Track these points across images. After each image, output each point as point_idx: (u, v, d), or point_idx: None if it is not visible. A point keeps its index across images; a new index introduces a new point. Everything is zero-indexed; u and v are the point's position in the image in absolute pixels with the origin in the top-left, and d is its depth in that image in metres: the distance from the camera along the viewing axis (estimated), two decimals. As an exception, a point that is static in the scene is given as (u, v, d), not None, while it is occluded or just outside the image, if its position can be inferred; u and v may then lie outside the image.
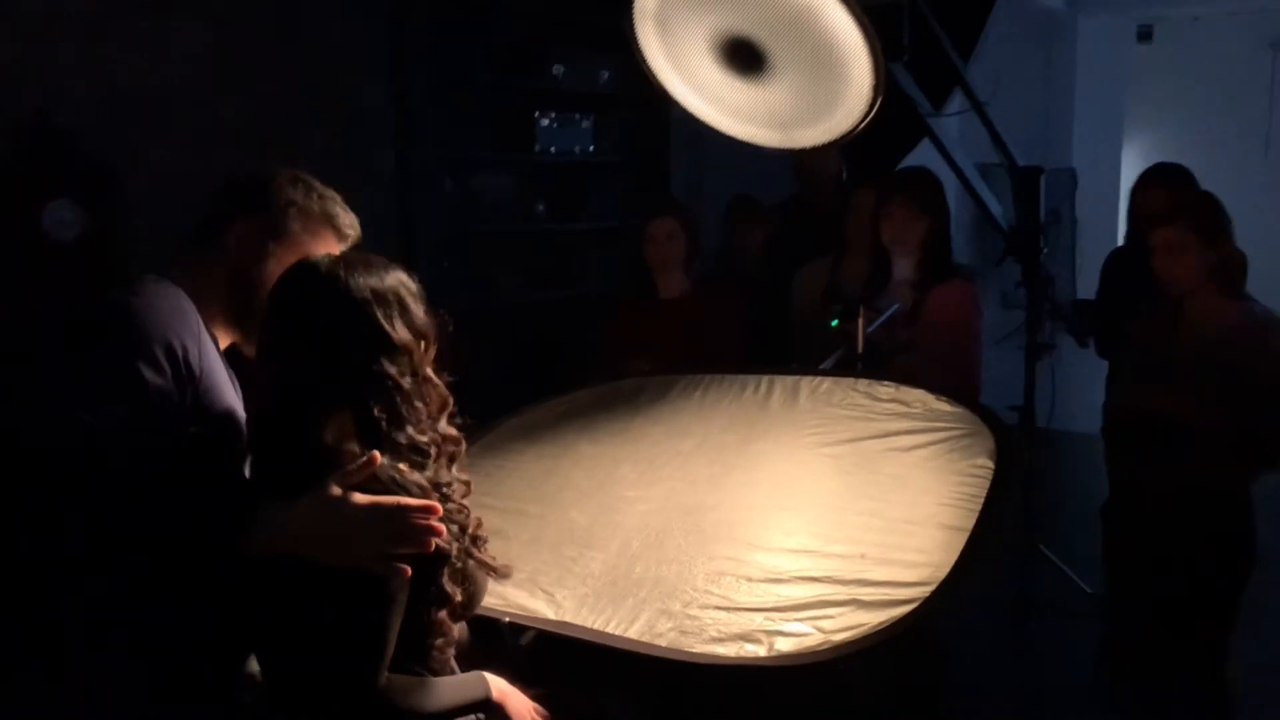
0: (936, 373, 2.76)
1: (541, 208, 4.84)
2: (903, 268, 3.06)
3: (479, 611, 1.81)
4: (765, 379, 2.39)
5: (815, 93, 2.19)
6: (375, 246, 4.23)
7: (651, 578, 1.81)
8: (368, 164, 4.16)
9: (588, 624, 1.74)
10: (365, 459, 1.36)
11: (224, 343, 1.63)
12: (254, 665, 1.59)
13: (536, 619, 1.78)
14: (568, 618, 1.77)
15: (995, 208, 3.32)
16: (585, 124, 4.87)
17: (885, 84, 2.09)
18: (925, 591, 1.64)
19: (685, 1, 2.17)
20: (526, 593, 1.85)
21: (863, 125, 2.20)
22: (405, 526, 1.36)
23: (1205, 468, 2.55)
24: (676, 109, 2.42)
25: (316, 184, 1.69)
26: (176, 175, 3.38)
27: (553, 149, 4.73)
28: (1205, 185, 3.25)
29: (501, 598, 1.85)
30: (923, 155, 3.82)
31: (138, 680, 1.46)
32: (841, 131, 2.25)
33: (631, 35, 2.28)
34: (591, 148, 4.87)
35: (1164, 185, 3.45)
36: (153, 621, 1.44)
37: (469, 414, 2.66)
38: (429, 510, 1.38)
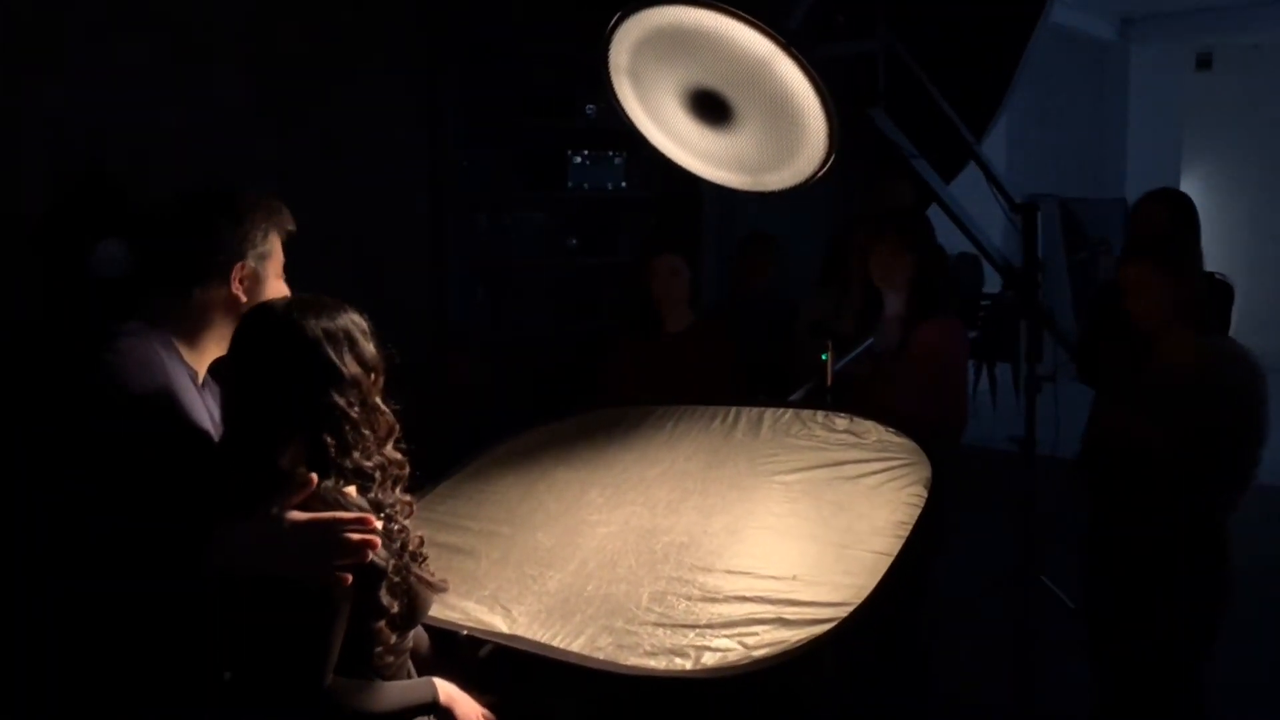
0: (922, 406, 2.86)
1: (574, 242, 4.98)
2: (892, 304, 3.16)
3: (441, 625, 1.97)
4: (733, 410, 2.52)
5: (777, 141, 2.32)
6: (410, 281, 4.43)
7: (601, 596, 1.94)
8: (404, 203, 4.34)
9: (537, 638, 1.88)
10: (304, 480, 1.52)
11: (217, 355, 1.82)
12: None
13: (491, 632, 1.92)
14: (520, 631, 1.90)
15: (990, 243, 3.41)
16: (617, 160, 5.01)
17: (839, 132, 2.21)
18: (845, 611, 1.75)
19: (653, 57, 2.33)
20: (487, 608, 1.99)
21: (824, 170, 2.32)
22: (341, 539, 1.52)
23: (1173, 500, 2.60)
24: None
25: (258, 196, 1.87)
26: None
27: (585, 185, 4.88)
28: (1268, 213, 3.22)
29: (464, 613, 1.99)
30: (964, 186, 3.88)
31: (123, 688, 1.64)
32: (805, 175, 2.37)
33: (610, 88, 2.44)
34: (623, 184, 5.01)
35: (1165, 207, 3.45)
36: (132, 635, 1.62)
37: (480, 441, 2.83)
38: (363, 523, 1.53)
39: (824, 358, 2.87)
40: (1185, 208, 3.45)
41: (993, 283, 8.90)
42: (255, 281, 1.84)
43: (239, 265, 1.81)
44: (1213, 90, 11.73)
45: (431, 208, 4.45)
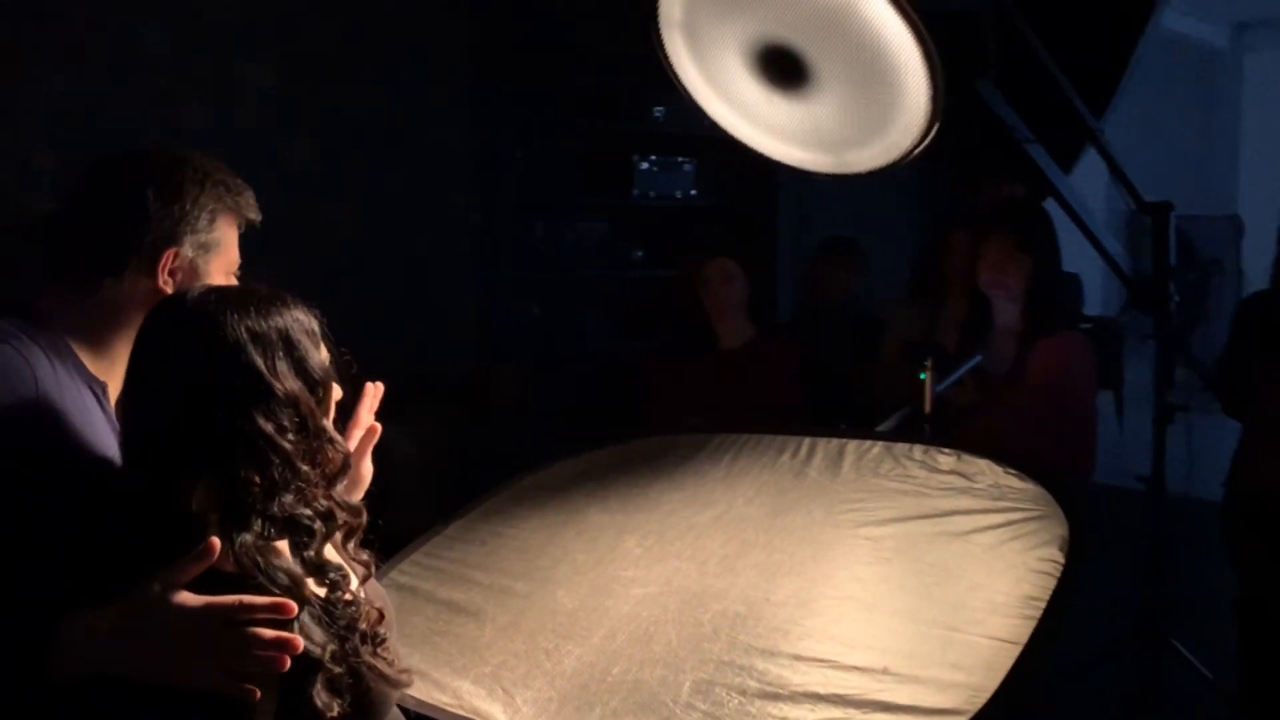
0: (1040, 442, 2.38)
1: (639, 254, 4.68)
2: (1004, 316, 2.67)
3: (426, 711, 1.54)
4: (807, 442, 2.04)
5: (865, 107, 1.87)
6: (456, 293, 4.10)
7: (629, 682, 1.49)
8: (450, 208, 4.03)
9: (542, 738, 1.44)
10: (201, 549, 1.09)
11: None
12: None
13: (486, 726, 1.48)
14: (522, 727, 1.47)
15: (1115, 249, 2.90)
16: (687, 167, 4.69)
17: (944, 95, 1.75)
18: (957, 724, 1.27)
19: (713, 6, 1.90)
20: (485, 690, 1.55)
21: (923, 146, 1.87)
22: (247, 635, 1.07)
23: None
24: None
25: (208, 165, 1.47)
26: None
27: (652, 193, 4.57)
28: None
29: (456, 695, 1.56)
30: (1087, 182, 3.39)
31: None
32: (900, 153, 1.91)
33: (660, 49, 2.02)
34: (693, 191, 4.70)
35: None
36: None
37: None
38: (280, 611, 1.09)
39: (923, 378, 2.40)
40: None
41: (1093, 303, 8.28)
42: (192, 276, 1.42)
43: (170, 252, 1.40)
44: (1333, 100, 10.92)
45: (481, 214, 4.10)
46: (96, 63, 3.16)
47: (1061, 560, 1.52)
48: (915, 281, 3.53)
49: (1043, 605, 1.43)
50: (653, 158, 4.55)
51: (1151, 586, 2.95)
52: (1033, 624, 1.40)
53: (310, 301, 1.29)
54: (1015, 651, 1.36)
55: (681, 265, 3.43)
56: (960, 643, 1.41)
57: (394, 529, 2.15)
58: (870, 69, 1.80)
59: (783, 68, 1.89)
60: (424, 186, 3.93)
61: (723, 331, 3.02)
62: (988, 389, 2.50)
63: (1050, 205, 2.97)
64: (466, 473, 3.46)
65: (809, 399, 2.84)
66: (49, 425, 1.29)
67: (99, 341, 1.40)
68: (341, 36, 3.66)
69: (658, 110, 4.53)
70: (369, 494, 1.32)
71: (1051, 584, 1.47)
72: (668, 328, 4.03)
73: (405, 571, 1.93)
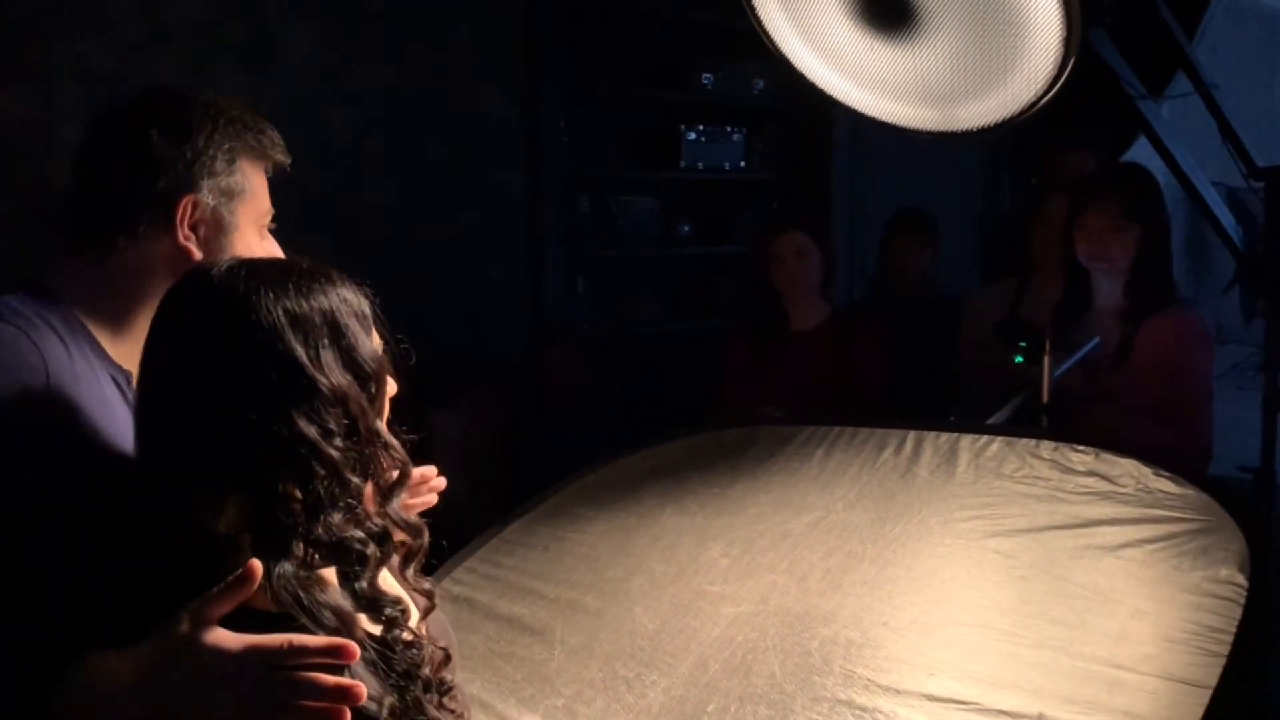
0: (1150, 433, 2.13)
1: (686, 229, 4.48)
2: (1106, 293, 2.41)
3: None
4: (912, 435, 1.81)
5: (982, 52, 1.63)
6: (501, 271, 3.92)
7: (729, 722, 1.28)
8: (494, 180, 3.86)
9: (630, 790, 1.23)
10: (238, 574, 0.88)
11: None
12: None
13: (562, 774, 1.28)
14: (604, 777, 1.26)
15: (1227, 219, 2.64)
16: (736, 137, 4.47)
17: (1081, 39, 1.51)
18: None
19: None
20: (559, 729, 1.35)
21: (1048, 98, 1.62)
22: (302, 683, 0.86)
23: None
24: (838, 110, 1.90)
25: (222, 101, 1.25)
26: (286, 192, 3.16)
27: (700, 165, 4.36)
28: None
29: (525, 734, 1.36)
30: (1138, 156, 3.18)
31: None
32: (1019, 107, 1.67)
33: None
34: (742, 163, 4.48)
35: None
36: None
37: (580, 456, 2.21)
38: (340, 654, 0.88)
39: (1018, 361, 2.16)
40: None
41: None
42: (217, 230, 1.21)
43: (187, 200, 1.19)
44: None
45: (526, 188, 3.92)
46: (126, 28, 2.99)
47: (1243, 583, 1.28)
48: (998, 257, 3.28)
49: (1230, 638, 1.20)
50: (700, 128, 4.33)
51: (1258, 593, 2.72)
52: (1221, 661, 1.17)
53: (360, 279, 1.08)
54: (1204, 697, 1.13)
55: (751, 240, 3.20)
56: (1130, 685, 1.18)
57: (439, 527, 1.96)
58: (990, 5, 1.56)
59: (886, 7, 1.65)
60: (468, 159, 3.74)
61: (795, 312, 2.78)
62: (1094, 376, 2.25)
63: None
64: (517, 460, 3.28)
65: (893, 386, 2.61)
66: (62, 423, 1.08)
67: (120, 320, 1.18)
68: (384, 1, 3.47)
69: (706, 77, 4.32)
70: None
71: (1236, 611, 1.23)
72: (735, 307, 3.80)
73: (460, 580, 1.73)
